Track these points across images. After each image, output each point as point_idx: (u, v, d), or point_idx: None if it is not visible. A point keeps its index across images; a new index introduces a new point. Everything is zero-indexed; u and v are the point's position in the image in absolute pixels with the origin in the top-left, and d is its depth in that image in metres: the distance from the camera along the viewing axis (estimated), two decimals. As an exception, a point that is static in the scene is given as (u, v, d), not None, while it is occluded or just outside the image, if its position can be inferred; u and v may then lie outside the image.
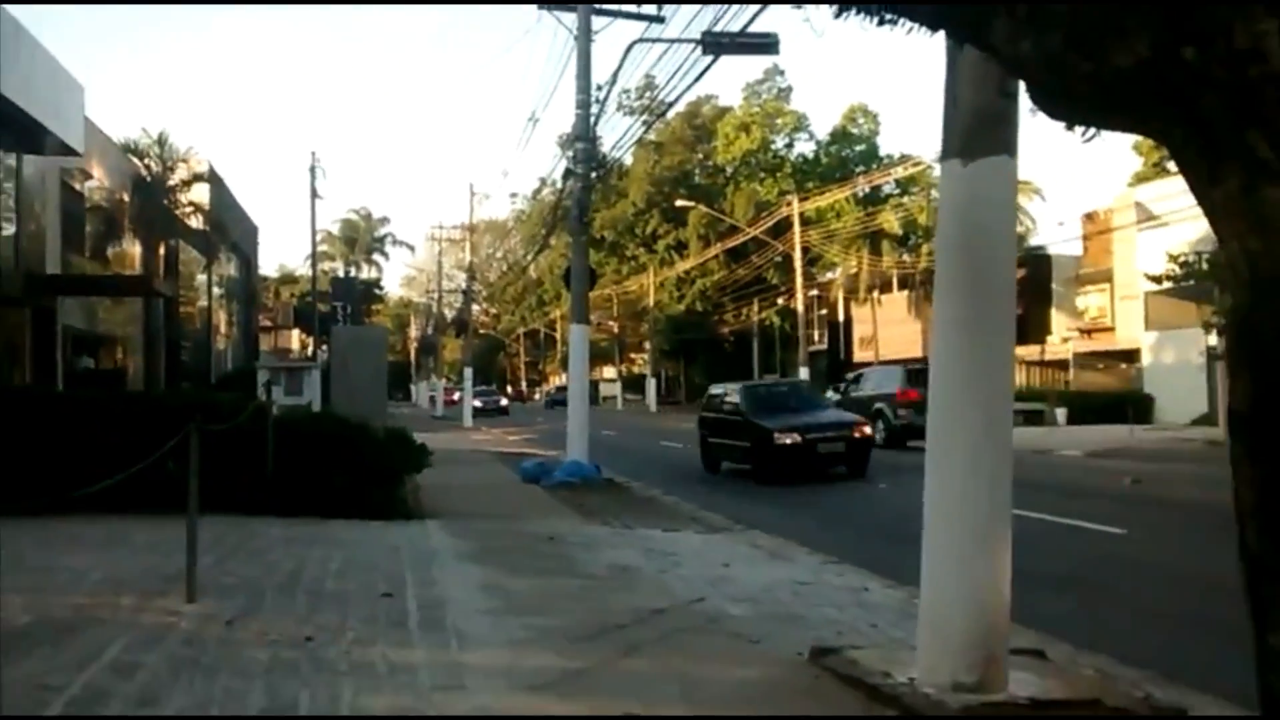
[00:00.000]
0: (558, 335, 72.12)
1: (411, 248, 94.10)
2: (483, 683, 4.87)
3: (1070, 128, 3.83)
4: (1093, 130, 3.87)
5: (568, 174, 19.22)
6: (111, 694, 4.46)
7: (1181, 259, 27.33)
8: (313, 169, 44.59)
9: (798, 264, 45.12)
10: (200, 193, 34.08)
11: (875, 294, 53.22)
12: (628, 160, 64.01)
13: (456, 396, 66.38)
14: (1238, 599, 3.04)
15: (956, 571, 4.81)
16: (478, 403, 64.82)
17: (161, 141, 31.78)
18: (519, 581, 7.51)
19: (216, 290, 43.72)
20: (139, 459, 7.11)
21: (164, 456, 7.55)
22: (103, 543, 8.45)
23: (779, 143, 63.65)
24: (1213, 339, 28.98)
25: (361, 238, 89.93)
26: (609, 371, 74.05)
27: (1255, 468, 2.87)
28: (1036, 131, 46.31)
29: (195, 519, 6.60)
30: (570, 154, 19.02)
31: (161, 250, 32.72)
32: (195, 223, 34.53)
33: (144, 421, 9.99)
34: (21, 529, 9.02)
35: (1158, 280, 28.47)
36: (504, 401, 66.66)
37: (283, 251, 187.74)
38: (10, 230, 21.62)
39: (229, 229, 38.87)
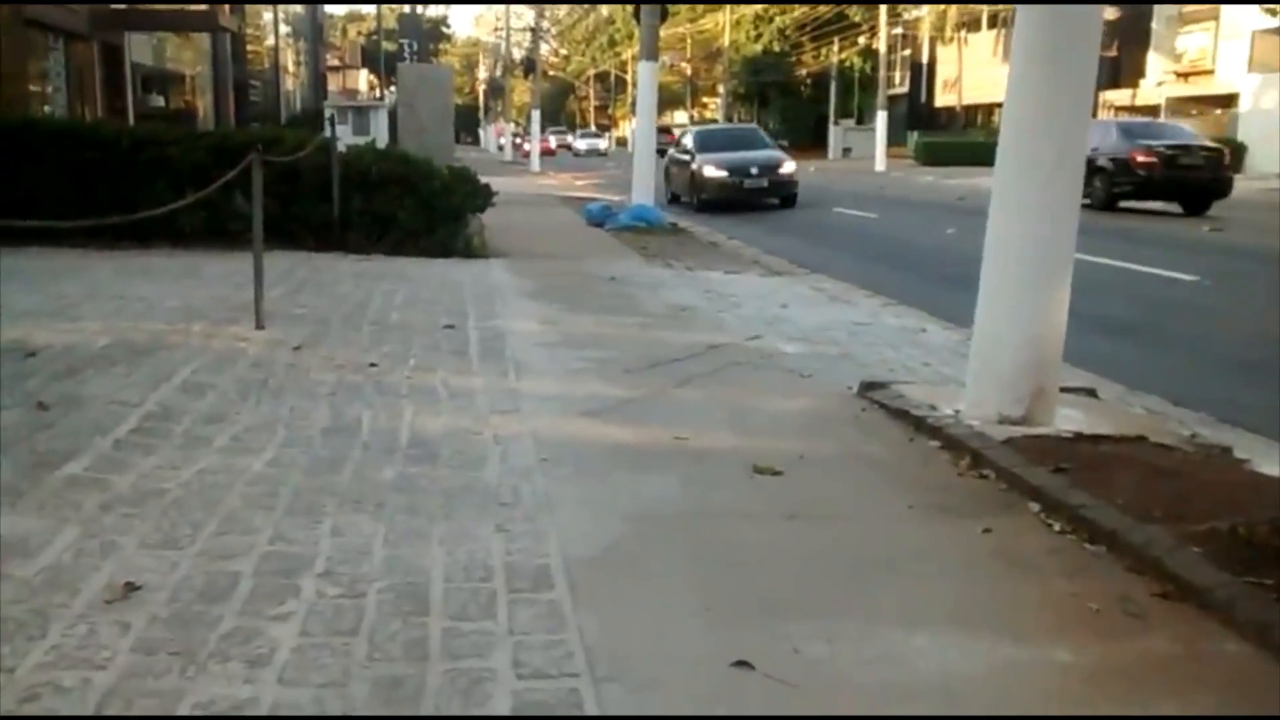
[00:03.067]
0: (628, 78, 70.40)
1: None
2: (537, 407, 5.02)
3: None
4: None
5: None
6: (183, 411, 4.68)
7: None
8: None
9: (882, -1, 42.91)
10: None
11: (962, 33, 50.78)
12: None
13: (554, 142, 65.12)
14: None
15: (1011, 305, 4.76)
16: (582, 145, 63.12)
17: None
18: (577, 317, 7.63)
19: (283, 28, 43.03)
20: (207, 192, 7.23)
21: (228, 186, 7.66)
22: (176, 274, 8.69)
23: None
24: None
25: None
26: (680, 116, 72.50)
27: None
28: None
29: (260, 247, 6.73)
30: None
31: (225, -15, 32.06)
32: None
33: (210, 156, 10.08)
34: (98, 260, 9.34)
35: (1272, 11, 26.58)
36: (603, 145, 65.45)
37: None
38: (72, -37, 21.27)
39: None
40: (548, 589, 3.00)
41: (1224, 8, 36.22)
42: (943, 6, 50.69)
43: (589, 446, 4.42)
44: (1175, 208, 19.99)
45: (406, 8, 75.50)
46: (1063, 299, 4.76)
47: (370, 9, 60.52)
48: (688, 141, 23.19)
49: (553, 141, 66.70)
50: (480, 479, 3.93)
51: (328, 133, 11.91)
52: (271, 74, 41.13)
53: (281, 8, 41.46)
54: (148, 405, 4.73)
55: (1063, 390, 5.06)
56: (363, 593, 2.93)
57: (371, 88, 61.37)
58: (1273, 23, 28.33)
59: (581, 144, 65.77)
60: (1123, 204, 20.21)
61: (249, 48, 36.37)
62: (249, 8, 36.04)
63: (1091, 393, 5.59)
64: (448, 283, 8.95)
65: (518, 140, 59.96)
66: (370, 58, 59.64)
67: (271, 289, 7.56)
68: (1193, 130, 24.16)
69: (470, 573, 3.08)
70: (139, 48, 24.34)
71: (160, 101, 27.54)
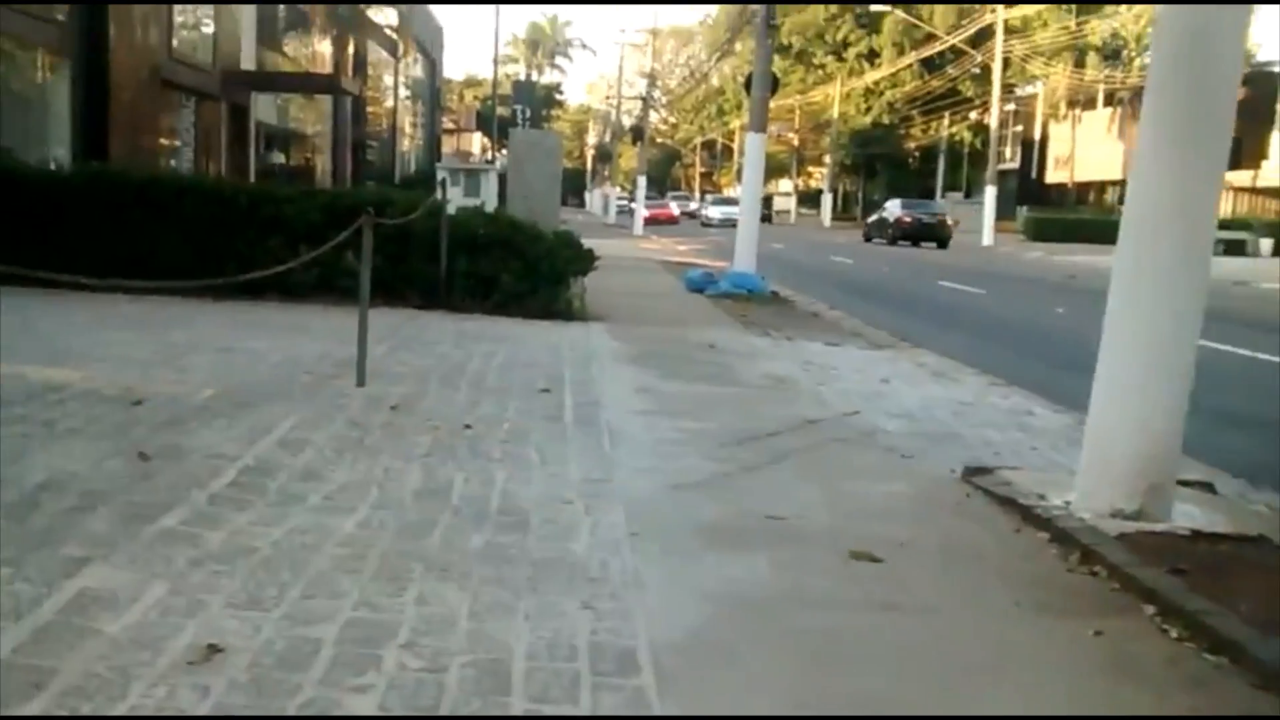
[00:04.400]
0: (735, 146, 70.81)
1: (594, 52, 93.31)
2: (630, 478, 4.95)
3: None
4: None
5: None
6: (279, 467, 4.71)
7: None
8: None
9: (996, 74, 42.61)
10: (387, -8, 34.20)
11: (1076, 111, 50.10)
12: (819, -39, 61.19)
13: (676, 209, 60.53)
14: None
15: (1128, 396, 4.55)
16: (715, 213, 55.54)
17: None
18: (674, 385, 7.56)
19: (402, 91, 44.37)
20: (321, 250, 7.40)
21: (340, 247, 7.82)
22: (284, 328, 8.87)
23: (985, -56, 59.34)
24: None
25: (545, 41, 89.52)
26: (784, 185, 72.66)
27: None
28: (1276, -69, 41.56)
29: (366, 306, 6.82)
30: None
31: (350, 49, 33.25)
32: (383, 20, 34.86)
33: (323, 215, 10.33)
34: (211, 311, 9.60)
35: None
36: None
37: (468, 55, 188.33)
38: (210, 28, 22.28)
39: (415, 27, 39.13)
40: (634, 674, 2.90)
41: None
42: (1055, 85, 50.07)
43: (680, 522, 4.32)
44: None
45: (522, 74, 77.52)
46: (1183, 392, 4.54)
47: (488, 75, 62.17)
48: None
49: (674, 208, 61.89)
50: (569, 551, 3.86)
51: (439, 194, 12.13)
52: (389, 134, 42.34)
53: (402, 72, 42.75)
54: (245, 459, 4.78)
55: (1179, 484, 4.82)
56: (445, 667, 2.87)
57: (484, 150, 62.82)
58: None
59: (715, 212, 57.36)
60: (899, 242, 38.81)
61: (369, 109, 37.54)
62: (371, 71, 37.27)
63: (1209, 487, 5.31)
64: (547, 345, 8.97)
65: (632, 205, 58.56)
66: (484, 121, 61.10)
67: (375, 346, 7.65)
68: (941, 205, 45.87)
69: (554, 651, 3.00)
70: (264, 107, 25.28)
71: (281, 159, 28.52)
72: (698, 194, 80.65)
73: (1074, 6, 51.15)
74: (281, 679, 2.74)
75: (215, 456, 4.76)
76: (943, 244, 38.77)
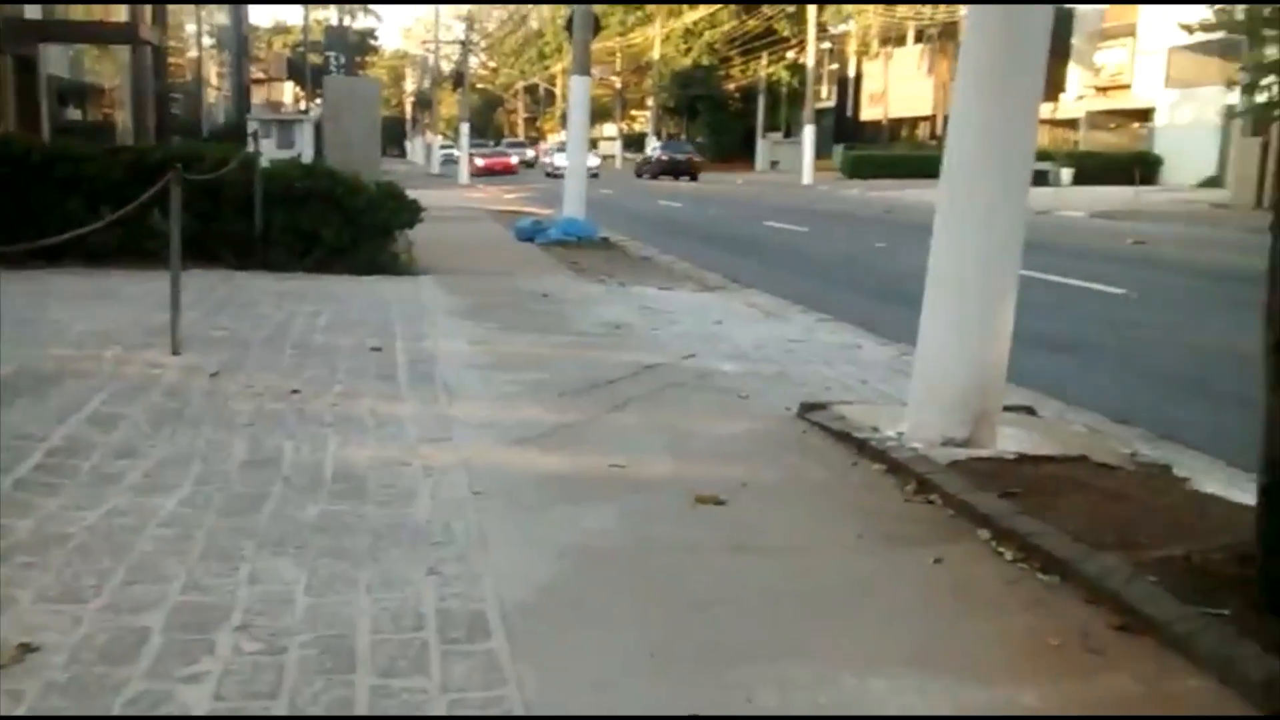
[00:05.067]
0: (558, 91, 70.20)
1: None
2: (469, 435, 4.83)
3: None
4: None
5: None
6: (92, 445, 4.41)
7: (1218, 6, 26.09)
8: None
9: (811, 12, 43.24)
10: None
11: (888, 48, 51.45)
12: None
13: (514, 158, 54.54)
14: (1233, 363, 2.91)
15: (957, 329, 4.68)
16: (562, 160, 52.12)
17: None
18: (510, 337, 7.44)
19: (207, 40, 42.22)
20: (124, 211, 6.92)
21: (145, 206, 7.35)
22: (90, 296, 8.33)
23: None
24: (1233, 97, 28.12)
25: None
26: (609, 129, 72.50)
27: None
28: None
29: (179, 269, 6.45)
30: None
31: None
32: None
33: (128, 173, 9.72)
34: (7, 281, 8.92)
35: (1189, 29, 27.26)
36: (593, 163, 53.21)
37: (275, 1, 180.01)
38: (-19, -28, 20.59)
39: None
40: (484, 638, 2.81)
41: (1141, 25, 37.10)
42: (868, 23, 51.27)
43: (523, 477, 4.24)
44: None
45: (334, 20, 74.70)
46: (1007, 320, 4.69)
47: (297, 22, 59.66)
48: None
49: (514, 158, 55.83)
50: (410, 516, 3.73)
51: (251, 147, 11.57)
52: (194, 87, 40.29)
53: (205, 20, 40.64)
54: (53, 440, 4.46)
55: (1003, 409, 5.00)
56: (283, 648, 2.72)
57: (297, 100, 60.46)
58: (1188, 39, 29.03)
59: (563, 159, 51.91)
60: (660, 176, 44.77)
61: (171, 60, 35.56)
62: (171, 20, 35.26)
63: (1030, 411, 5.54)
64: (375, 301, 8.70)
65: (470, 154, 52.19)
66: (296, 70, 58.78)
67: (189, 310, 7.27)
68: (688, 145, 52.30)
69: (400, 622, 2.89)
70: (55, 60, 23.60)
71: (78, 115, 26.77)
72: (528, 140, 78.34)
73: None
74: (105, 674, 2.55)
75: (19, 438, 4.41)
76: (693, 176, 46.39)
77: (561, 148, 51.99)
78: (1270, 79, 22.93)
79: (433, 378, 5.98)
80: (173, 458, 4.32)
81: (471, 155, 54.60)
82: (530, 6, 59.05)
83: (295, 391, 5.51)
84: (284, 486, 4.02)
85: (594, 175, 47.71)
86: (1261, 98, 23.35)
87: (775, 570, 3.40)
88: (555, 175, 46.53)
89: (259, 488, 3.99)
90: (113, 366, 5.89)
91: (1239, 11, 25.18)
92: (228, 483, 4.05)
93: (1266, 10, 22.75)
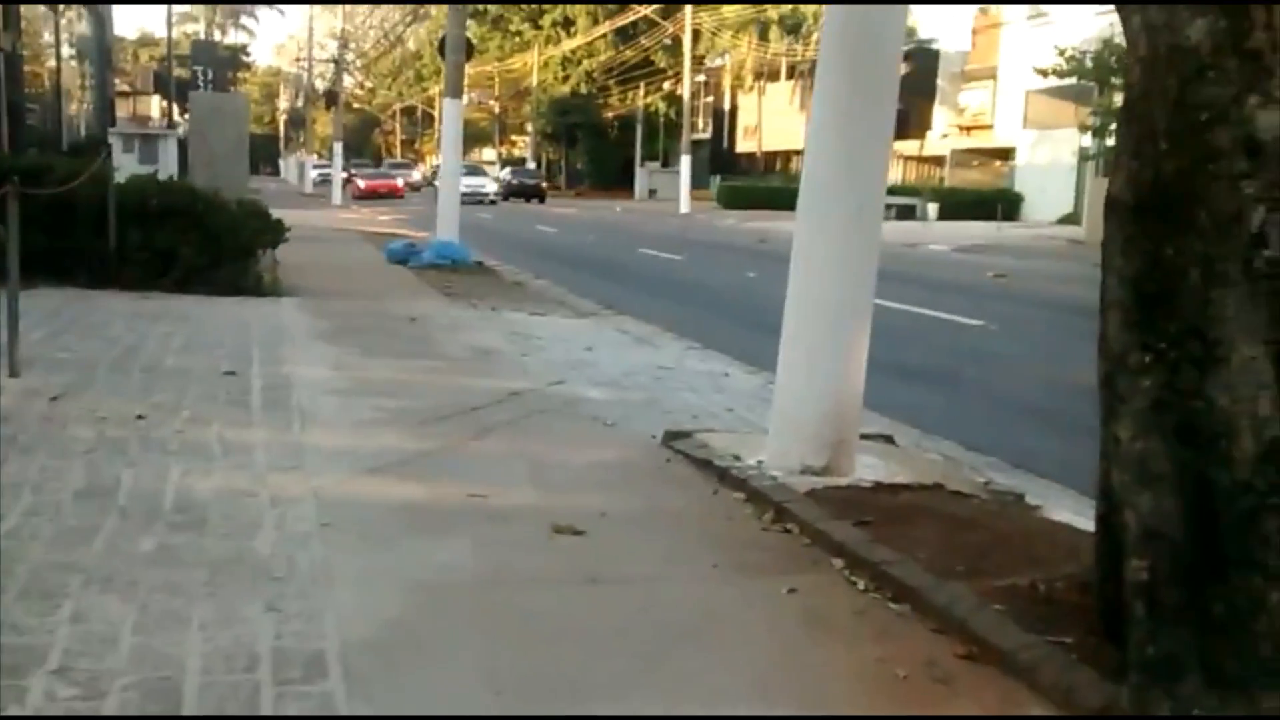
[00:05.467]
0: (436, 113, 69.61)
1: (282, 11, 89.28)
2: (322, 464, 4.67)
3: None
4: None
5: (442, -65, 17.95)
6: (-90, 472, 4.13)
7: (1069, 54, 27.42)
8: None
9: (687, 47, 43.88)
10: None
11: (761, 82, 52.48)
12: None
13: (401, 182, 50.81)
14: (1085, 395, 2.99)
15: (811, 358, 4.73)
16: (466, 186, 37.05)
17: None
18: (373, 362, 7.27)
19: (66, 49, 40.67)
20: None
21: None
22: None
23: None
24: (1086, 140, 29.46)
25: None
26: (488, 153, 72.18)
27: (1129, 259, 2.76)
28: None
29: (16, 286, 6.12)
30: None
31: (-3, 1, 30.01)
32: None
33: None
34: None
35: (1044, 74, 28.54)
36: (490, 188, 47.54)
37: (143, 13, 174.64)
38: None
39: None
40: (321, 679, 2.69)
41: (1002, 68, 38.61)
42: (742, 58, 52.24)
43: (376, 508, 4.11)
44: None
45: (202, 34, 72.77)
46: (862, 349, 4.76)
47: (165, 34, 57.87)
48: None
49: (399, 180, 51.64)
50: (252, 549, 3.57)
51: (105, 161, 11.11)
52: (53, 98, 38.75)
53: (65, 29, 39.13)
54: None
55: (861, 438, 5.06)
56: (103, 692, 2.56)
57: (164, 115, 58.67)
58: (1045, 83, 30.35)
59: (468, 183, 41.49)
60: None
61: (27, 68, 34.14)
62: (28, 27, 33.86)
63: (889, 439, 5.63)
64: (233, 324, 8.41)
65: (349, 174, 50.31)
66: (163, 82, 57.07)
67: (34, 331, 6.93)
68: (535, 170, 58.22)
69: (232, 662, 2.74)
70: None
71: (-81, 123, 25.42)
72: (409, 160, 75.66)
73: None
74: (-102, 726, 2.36)
75: None
76: (541, 199, 49.27)
77: (471, 170, 45.76)
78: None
79: (288, 404, 5.79)
80: (1, 487, 4.07)
81: (352, 176, 52.03)
82: (406, 29, 58.42)
83: (140, 417, 5.27)
84: (119, 518, 3.81)
85: (492, 202, 43.96)
86: (1111, 141, 24.55)
87: (628, 602, 3.35)
88: (470, 201, 38.05)
89: (92, 519, 3.77)
90: (-60, 389, 5.55)
91: (1089, 60, 26.52)
92: (58, 514, 3.82)
93: (1114, 59, 23.99)
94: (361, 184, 48.64)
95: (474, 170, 48.26)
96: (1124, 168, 2.73)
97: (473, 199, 39.48)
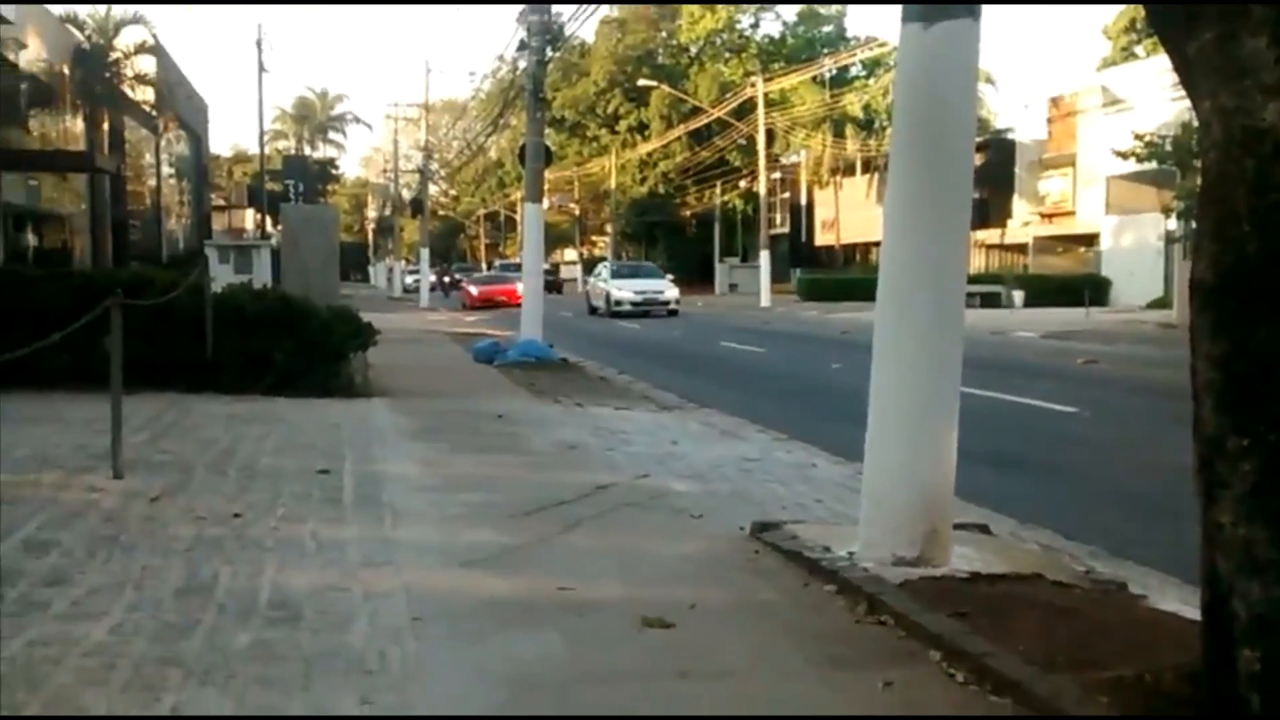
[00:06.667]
0: (518, 217, 71.17)
1: (369, 126, 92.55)
2: (414, 559, 4.72)
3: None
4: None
5: (522, 46, 18.58)
6: (20, 573, 4.26)
7: (1148, 139, 27.19)
8: (259, 42, 43.14)
9: (761, 146, 44.42)
10: (145, 65, 32.86)
11: (837, 178, 52.81)
12: (589, 37, 62.71)
13: (520, 286, 29.46)
14: (1184, 480, 2.90)
15: (900, 448, 4.68)
16: (634, 292, 32.80)
17: (102, 12, 30.56)
18: (462, 459, 7.35)
19: (166, 169, 42.63)
20: (71, 335, 6.83)
21: (89, 330, 7.26)
22: (33, 419, 8.17)
23: (744, 22, 62.19)
24: (1172, 223, 29.04)
25: (316, 116, 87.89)
26: (570, 254, 73.38)
27: (1217, 342, 2.71)
28: (1005, 20, 45.52)
29: (119, 391, 6.36)
30: (525, 27, 18.34)
31: (105, 125, 31.69)
32: (140, 97, 33.41)
33: (75, 298, 9.64)
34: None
35: (1123, 157, 28.31)
36: (669, 292, 33.80)
37: (236, 130, 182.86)
38: (-60, 101, 20.77)
39: (176, 103, 37.69)
40: (414, 772, 2.69)
41: (1080, 155, 38.38)
42: (819, 153, 52.72)
43: (466, 602, 4.13)
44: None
45: (293, 149, 75.75)
46: (950, 437, 4.70)
47: (255, 150, 60.38)
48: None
49: (516, 285, 31.11)
50: (345, 643, 3.61)
51: (203, 272, 11.54)
52: (153, 213, 40.51)
53: (164, 149, 41.09)
54: (-21, 567, 4.30)
55: (956, 527, 4.97)
56: (202, 784, 2.59)
57: (257, 227, 60.91)
58: (1125, 168, 30.09)
59: (627, 291, 33.26)
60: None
61: (130, 188, 35.82)
62: (130, 150, 35.62)
63: (984, 529, 5.51)
64: (325, 424, 8.60)
65: (455, 278, 50.17)
66: (257, 196, 59.36)
67: (135, 434, 7.16)
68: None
69: (328, 756, 2.76)
70: (11, 187, 23.68)
71: (33, 241, 26.77)
72: (484, 265, 74.56)
73: (828, 80, 54.21)
74: (8, 819, 2.41)
75: (-59, 567, 4.26)
76: (559, 290, 51.60)
77: (634, 270, 37.07)
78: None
79: (379, 500, 5.88)
80: (104, 584, 4.18)
81: (458, 280, 49.20)
82: (487, 138, 60.03)
83: (237, 515, 5.39)
84: (217, 613, 3.88)
85: (673, 311, 32.23)
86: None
87: (719, 697, 3.30)
88: (636, 313, 31.45)
89: (191, 615, 3.85)
90: (51, 491, 5.75)
91: (1168, 144, 26.27)
92: (159, 610, 3.91)
93: (1193, 142, 23.74)
94: (474, 290, 39.59)
95: (638, 270, 36.56)
96: (1206, 251, 2.70)
97: (639, 309, 30.89)
